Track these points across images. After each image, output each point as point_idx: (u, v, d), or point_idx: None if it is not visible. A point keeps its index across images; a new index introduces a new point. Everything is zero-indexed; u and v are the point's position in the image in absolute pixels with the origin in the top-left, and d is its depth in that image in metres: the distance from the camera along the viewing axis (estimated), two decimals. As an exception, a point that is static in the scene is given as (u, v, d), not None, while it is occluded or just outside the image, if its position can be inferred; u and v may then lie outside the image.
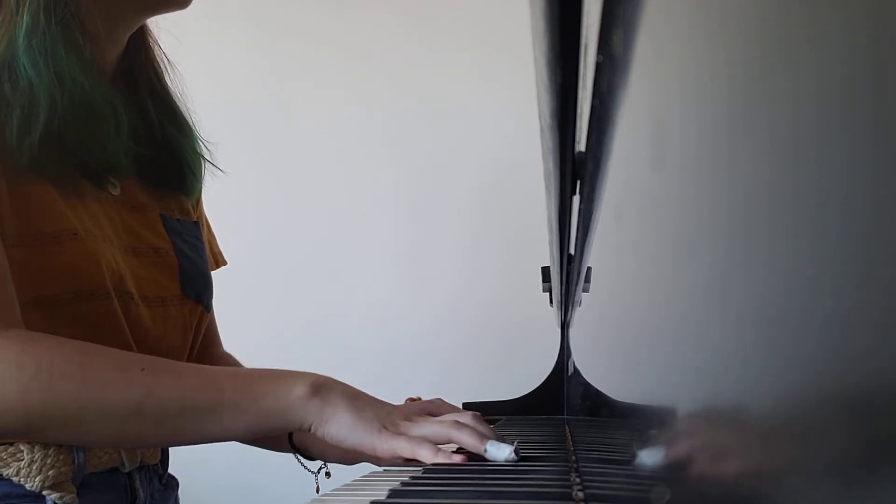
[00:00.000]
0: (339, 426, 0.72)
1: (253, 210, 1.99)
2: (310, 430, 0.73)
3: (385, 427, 0.73)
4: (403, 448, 0.72)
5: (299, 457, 0.85)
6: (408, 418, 0.75)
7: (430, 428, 0.73)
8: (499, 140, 1.93)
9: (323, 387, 0.74)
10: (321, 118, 2.01)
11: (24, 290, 0.72)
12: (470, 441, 0.72)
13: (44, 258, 0.74)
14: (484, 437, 0.72)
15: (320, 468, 0.86)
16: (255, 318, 1.92)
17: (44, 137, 0.74)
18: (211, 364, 0.98)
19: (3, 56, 0.75)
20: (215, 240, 1.07)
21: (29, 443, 0.75)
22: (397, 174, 1.99)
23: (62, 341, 0.69)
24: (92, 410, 0.68)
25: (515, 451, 0.71)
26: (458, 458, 0.71)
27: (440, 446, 0.72)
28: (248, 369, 0.76)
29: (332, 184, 2.01)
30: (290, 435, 0.84)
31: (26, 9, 0.75)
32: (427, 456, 0.71)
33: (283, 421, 0.73)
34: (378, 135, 2.00)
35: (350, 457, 0.83)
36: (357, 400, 0.74)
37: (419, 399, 0.93)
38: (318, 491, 0.84)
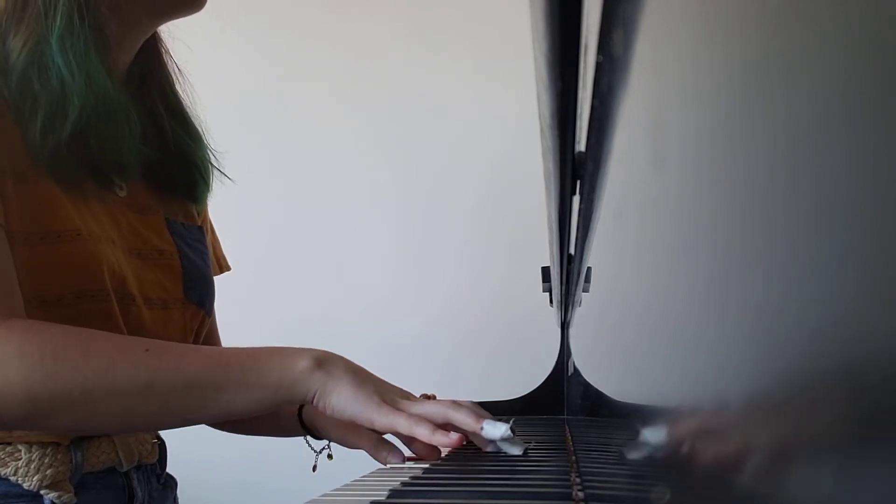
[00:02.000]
0: (340, 397, 0.73)
1: (254, 210, 1.99)
2: (312, 402, 0.73)
3: (385, 402, 0.73)
4: (402, 424, 0.72)
5: (308, 438, 0.86)
6: (407, 397, 0.76)
7: (428, 407, 0.74)
8: (499, 140, 1.93)
9: (326, 360, 0.74)
10: (321, 118, 2.01)
11: (26, 289, 0.72)
12: (466, 419, 0.73)
13: (47, 257, 0.74)
14: (481, 417, 0.73)
15: (322, 448, 0.86)
16: (255, 318, 1.92)
17: (71, 136, 0.75)
18: None
19: (32, 54, 0.76)
20: (220, 245, 1.08)
21: (27, 442, 0.75)
22: (397, 174, 1.99)
23: (63, 328, 0.69)
24: (98, 393, 0.67)
25: (511, 429, 0.72)
26: (455, 437, 0.71)
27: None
28: (250, 347, 0.77)
29: (332, 184, 2.01)
30: (301, 415, 0.85)
31: (59, 11, 0.76)
32: (424, 434, 0.71)
33: (289, 394, 0.73)
34: (378, 135, 2.00)
35: (349, 437, 0.83)
36: (359, 374, 0.75)
37: (433, 397, 0.93)
38: (314, 469, 0.85)
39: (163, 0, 0.85)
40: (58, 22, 0.76)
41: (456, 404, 0.75)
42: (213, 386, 0.71)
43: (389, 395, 0.75)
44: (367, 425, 0.74)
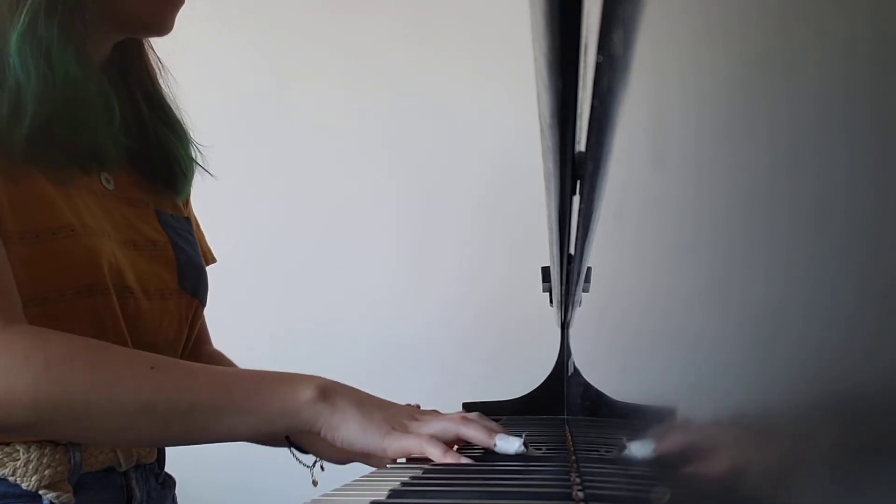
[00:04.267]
0: (349, 431, 0.73)
1: (253, 210, 1.99)
2: (319, 434, 0.73)
3: (394, 428, 0.73)
4: (413, 446, 0.72)
5: (294, 451, 0.86)
6: (413, 417, 0.76)
7: (438, 425, 0.74)
8: (499, 140, 1.93)
9: (330, 391, 0.74)
10: (321, 118, 2.01)
11: (25, 289, 0.72)
12: (479, 435, 0.73)
13: (44, 255, 0.74)
14: (492, 432, 0.73)
15: (315, 461, 0.86)
16: (255, 317, 1.92)
17: (35, 129, 0.74)
18: (202, 361, 0.99)
19: None
20: (204, 238, 1.08)
21: (25, 442, 0.75)
22: (397, 174, 1.99)
23: (70, 337, 0.69)
24: (101, 406, 0.67)
25: (525, 444, 0.71)
26: (466, 460, 0.71)
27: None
28: (255, 371, 0.76)
29: (332, 184, 2.01)
30: None
31: (27, 7, 0.75)
32: (437, 454, 0.71)
33: (291, 423, 0.73)
34: (378, 135, 2.00)
35: (345, 457, 0.83)
36: (364, 405, 0.75)
37: (417, 406, 0.93)
38: (315, 484, 0.85)
39: (128, 22, 0.84)
40: (21, 19, 0.75)
41: (465, 419, 0.75)
42: (215, 409, 0.71)
43: (397, 420, 0.75)
44: (381, 455, 0.73)
